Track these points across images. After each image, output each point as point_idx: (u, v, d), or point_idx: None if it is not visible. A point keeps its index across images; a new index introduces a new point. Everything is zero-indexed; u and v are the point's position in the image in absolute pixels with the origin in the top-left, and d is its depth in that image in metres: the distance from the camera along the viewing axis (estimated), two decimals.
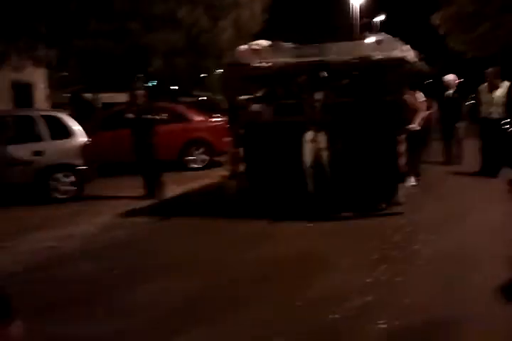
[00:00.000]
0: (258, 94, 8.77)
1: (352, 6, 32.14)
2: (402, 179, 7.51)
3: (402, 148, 7.39)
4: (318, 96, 7.45)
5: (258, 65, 7.58)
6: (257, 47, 7.78)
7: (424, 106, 9.20)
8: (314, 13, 29.27)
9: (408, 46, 7.82)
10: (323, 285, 4.74)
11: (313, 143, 7.46)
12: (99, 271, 5.48)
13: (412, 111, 8.43)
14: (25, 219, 8.02)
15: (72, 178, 9.29)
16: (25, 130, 9.44)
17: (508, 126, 9.32)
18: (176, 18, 13.99)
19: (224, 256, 5.77)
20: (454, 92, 10.95)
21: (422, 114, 8.94)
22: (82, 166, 9.28)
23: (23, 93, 16.55)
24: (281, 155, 7.72)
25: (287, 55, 7.68)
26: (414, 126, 8.50)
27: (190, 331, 3.95)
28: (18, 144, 9.18)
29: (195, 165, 12.70)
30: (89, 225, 7.50)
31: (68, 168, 9.31)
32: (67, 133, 9.40)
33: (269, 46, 7.91)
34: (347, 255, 5.55)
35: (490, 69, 9.86)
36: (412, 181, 8.24)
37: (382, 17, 35.50)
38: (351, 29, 29.21)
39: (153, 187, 9.09)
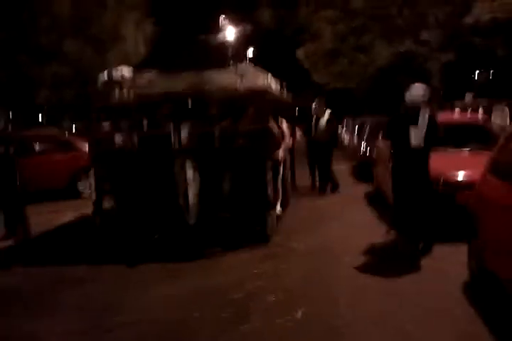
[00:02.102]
0: (121, 125, 8.24)
1: (227, 37, 33.17)
2: (270, 207, 7.47)
3: (269, 175, 7.44)
4: (184, 126, 7.36)
5: (117, 95, 7.41)
6: (118, 76, 7.58)
7: (288, 134, 9.54)
8: (192, 43, 29.95)
9: (270, 75, 8.04)
10: None
11: (180, 174, 7.30)
12: None
13: (276, 140, 8.40)
14: None
15: None
16: None
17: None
18: (63, 51, 13.84)
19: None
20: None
21: (287, 143, 9.20)
22: None
23: None
24: (147, 187, 7.45)
25: (150, 83, 7.52)
26: (280, 154, 8.48)
27: None
28: None
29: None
30: None
31: None
32: None
33: (132, 73, 7.75)
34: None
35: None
36: (278, 209, 8.24)
37: (250, 50, 36.91)
38: (225, 58, 30.12)
39: (14, 225, 8.27)
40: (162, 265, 6.31)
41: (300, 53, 26.75)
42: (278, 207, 8.30)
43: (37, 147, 12.40)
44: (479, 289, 4.96)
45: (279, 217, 8.10)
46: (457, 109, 10.81)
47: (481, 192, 5.29)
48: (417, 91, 6.41)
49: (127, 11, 17.67)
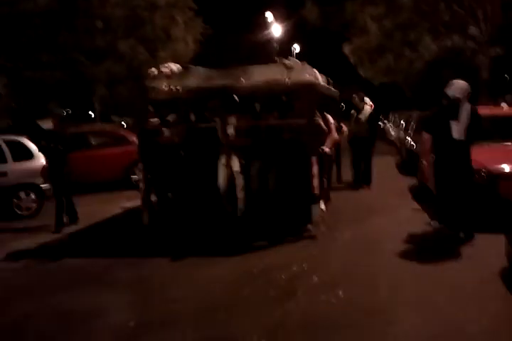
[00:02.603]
0: (169, 118, 8.42)
1: (272, 34, 33.47)
2: (316, 201, 7.43)
3: (315, 169, 7.39)
4: (231, 120, 7.49)
5: (166, 89, 7.51)
6: (167, 71, 7.73)
7: (334, 129, 9.30)
8: (239, 41, 30.45)
9: (316, 71, 8.13)
10: None
11: (226, 168, 7.45)
12: None
13: (323, 134, 8.36)
14: None
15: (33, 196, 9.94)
16: None
17: None
18: (117, 51, 14.57)
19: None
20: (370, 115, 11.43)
21: (333, 137, 9.01)
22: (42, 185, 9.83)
23: None
24: (194, 180, 7.64)
25: (198, 78, 7.68)
26: (326, 148, 8.35)
27: None
28: None
29: None
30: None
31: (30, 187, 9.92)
32: (29, 155, 10.05)
33: (180, 70, 7.87)
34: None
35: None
36: (322, 205, 8.02)
37: (297, 46, 37.08)
38: (271, 55, 30.45)
39: (74, 212, 8.89)
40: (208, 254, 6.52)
41: (346, 48, 26.84)
42: (322, 201, 8.14)
43: (94, 141, 13.10)
44: None
45: (322, 211, 8.07)
46: (503, 104, 10.74)
47: None
48: (456, 87, 6.61)
49: (177, 11, 18.25)
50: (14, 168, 9.85)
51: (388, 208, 8.79)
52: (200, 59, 18.07)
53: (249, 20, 31.43)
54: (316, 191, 7.41)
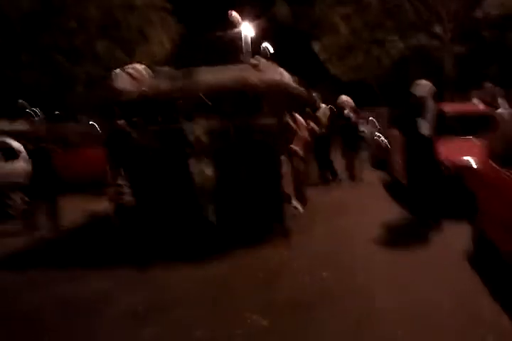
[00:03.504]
0: (135, 120, 8.13)
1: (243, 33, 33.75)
2: (287, 200, 7.49)
3: (284, 169, 7.46)
4: (200, 121, 7.36)
5: (133, 90, 7.33)
6: (132, 72, 7.61)
7: (303, 128, 9.37)
8: (212, 40, 30.74)
9: (283, 70, 8.00)
10: None
11: (197, 170, 7.33)
12: None
13: (292, 133, 8.49)
14: None
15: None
16: None
17: None
18: (95, 53, 14.75)
19: None
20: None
21: (302, 136, 9.03)
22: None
23: None
24: (164, 182, 7.47)
25: (164, 79, 7.53)
26: (295, 147, 8.48)
27: None
28: None
29: None
30: None
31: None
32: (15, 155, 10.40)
33: (146, 70, 7.77)
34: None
35: None
36: (295, 204, 8.08)
37: (266, 44, 37.37)
38: (240, 54, 30.75)
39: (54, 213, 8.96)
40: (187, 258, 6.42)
41: (316, 46, 27.36)
42: (294, 200, 8.12)
43: (77, 141, 13.30)
44: (480, 257, 5.70)
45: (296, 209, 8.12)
46: (475, 99, 11.31)
47: (481, 174, 6.04)
48: (421, 87, 7.21)
49: (153, 12, 18.49)
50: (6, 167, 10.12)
51: (363, 201, 9.28)
52: (173, 59, 18.36)
53: (222, 19, 31.73)
54: (287, 190, 7.52)
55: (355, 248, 6.54)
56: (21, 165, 10.13)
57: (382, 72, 25.86)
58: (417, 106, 7.16)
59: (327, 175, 11.67)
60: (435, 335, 4.07)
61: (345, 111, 11.90)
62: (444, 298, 4.74)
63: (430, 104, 7.16)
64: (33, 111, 21.10)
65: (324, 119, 11.73)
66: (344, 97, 12.22)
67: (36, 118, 10.16)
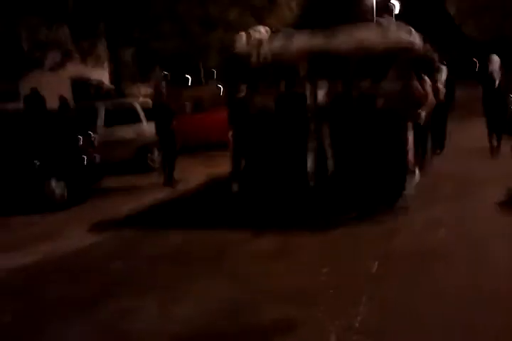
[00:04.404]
0: (260, 85, 8.06)
1: None
2: (411, 169, 7.10)
3: (410, 138, 7.04)
4: (322, 85, 7.16)
5: (255, 54, 7.32)
6: (257, 35, 7.56)
7: (431, 92, 8.64)
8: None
9: (412, 29, 7.51)
10: None
11: (316, 135, 7.16)
12: None
13: (420, 98, 7.80)
14: None
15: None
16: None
17: None
18: (228, 20, 15.42)
19: None
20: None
21: (430, 101, 8.43)
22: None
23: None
24: (282, 149, 7.40)
25: (287, 41, 7.34)
26: (422, 115, 7.95)
27: None
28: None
29: None
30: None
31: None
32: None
33: (269, 33, 7.68)
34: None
35: None
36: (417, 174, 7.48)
37: (396, 4, 36.10)
38: (367, 13, 30.10)
39: (171, 175, 9.62)
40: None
41: (451, 7, 26.09)
42: (417, 172, 7.45)
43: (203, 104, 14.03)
44: None
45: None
46: None
47: None
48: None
49: None
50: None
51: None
52: (301, 22, 18.54)
53: None
54: (411, 162, 7.07)
55: (478, 212, 6.53)
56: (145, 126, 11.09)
57: None
58: None
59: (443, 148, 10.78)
60: None
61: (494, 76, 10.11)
62: None
63: None
64: (165, 75, 22.50)
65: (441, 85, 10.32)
66: (496, 58, 10.23)
67: (163, 82, 10.83)
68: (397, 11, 35.33)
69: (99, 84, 19.03)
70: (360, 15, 27.72)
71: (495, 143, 10.18)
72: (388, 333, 3.69)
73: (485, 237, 5.50)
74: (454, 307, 3.97)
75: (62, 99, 14.47)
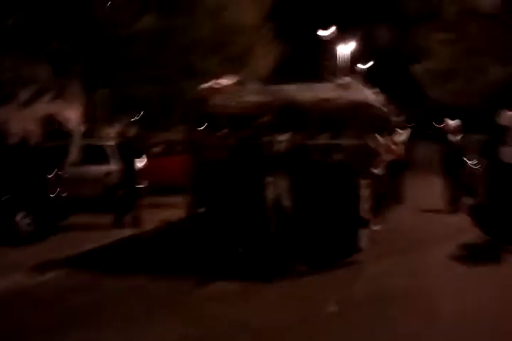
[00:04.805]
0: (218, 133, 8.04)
1: (339, 52, 34.24)
2: (365, 224, 7.26)
3: (365, 192, 7.24)
4: (283, 137, 7.27)
5: (218, 103, 7.51)
6: (218, 86, 7.78)
7: (390, 150, 9.22)
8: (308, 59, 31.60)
9: (372, 91, 7.94)
10: None
11: (274, 186, 7.11)
12: None
13: (375, 156, 8.03)
14: None
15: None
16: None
17: None
18: (206, 69, 15.79)
19: None
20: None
21: (381, 158, 8.58)
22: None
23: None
24: (240, 197, 7.30)
25: (252, 94, 7.61)
26: (378, 170, 8.16)
27: None
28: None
29: None
30: None
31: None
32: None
33: (232, 85, 7.91)
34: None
35: None
36: (375, 226, 7.79)
37: (361, 65, 37.38)
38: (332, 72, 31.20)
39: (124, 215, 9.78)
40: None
41: (416, 70, 27.20)
42: (372, 225, 7.67)
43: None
44: None
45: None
46: None
47: None
48: (504, 116, 7.56)
49: (260, 35, 19.63)
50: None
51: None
52: (275, 76, 19.17)
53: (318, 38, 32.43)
54: (366, 215, 7.24)
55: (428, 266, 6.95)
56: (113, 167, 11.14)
57: (484, 98, 25.33)
58: (500, 134, 7.49)
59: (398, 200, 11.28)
60: None
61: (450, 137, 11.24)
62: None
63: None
64: (138, 117, 22.66)
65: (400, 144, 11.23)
66: (450, 122, 11.47)
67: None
68: (364, 69, 36.64)
69: (65, 123, 19.28)
70: (325, 75, 28.74)
71: (450, 200, 10.87)
72: None
73: (434, 289, 5.92)
74: None
75: (25, 135, 14.51)
